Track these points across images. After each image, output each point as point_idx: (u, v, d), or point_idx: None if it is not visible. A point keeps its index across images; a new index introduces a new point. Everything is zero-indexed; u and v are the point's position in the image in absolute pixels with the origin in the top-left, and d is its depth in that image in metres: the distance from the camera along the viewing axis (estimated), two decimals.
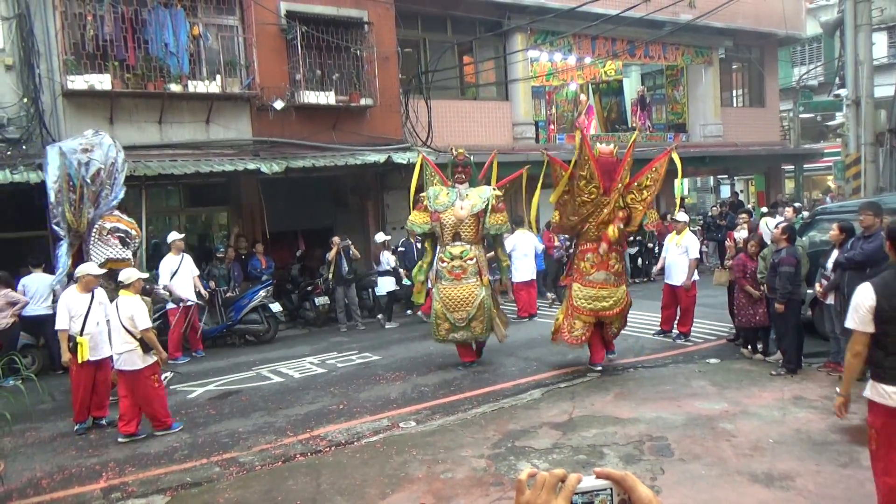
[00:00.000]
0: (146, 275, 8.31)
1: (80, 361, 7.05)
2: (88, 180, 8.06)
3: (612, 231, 8.03)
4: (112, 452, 6.56)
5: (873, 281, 4.16)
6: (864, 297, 4.02)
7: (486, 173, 9.33)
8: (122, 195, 8.45)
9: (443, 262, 8.66)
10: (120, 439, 6.85)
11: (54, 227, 8.28)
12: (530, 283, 12.29)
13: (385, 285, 12.60)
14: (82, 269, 7.35)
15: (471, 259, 8.54)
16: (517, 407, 7.21)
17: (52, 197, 8.12)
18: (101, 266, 7.79)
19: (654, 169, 8.40)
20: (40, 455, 6.59)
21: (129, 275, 7.04)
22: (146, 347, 6.83)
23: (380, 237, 12.76)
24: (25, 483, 5.88)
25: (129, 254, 8.33)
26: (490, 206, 8.59)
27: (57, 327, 7.28)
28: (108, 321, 7.26)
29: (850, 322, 4.08)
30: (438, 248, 8.96)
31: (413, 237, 12.27)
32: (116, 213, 8.43)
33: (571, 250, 10.07)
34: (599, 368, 8.41)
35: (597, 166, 7.98)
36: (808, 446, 5.61)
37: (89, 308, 7.19)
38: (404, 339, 11.15)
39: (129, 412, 6.87)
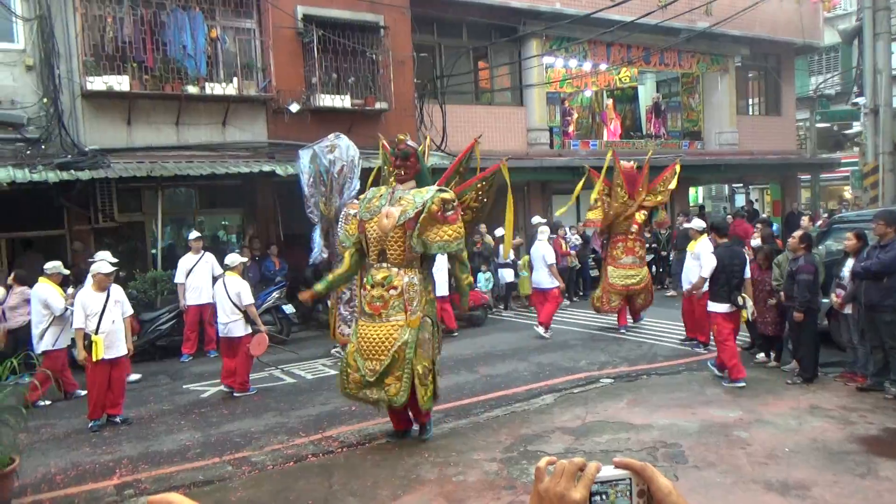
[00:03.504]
0: (246, 259, 9.49)
1: (94, 360, 7.10)
2: (335, 175, 9.46)
3: (639, 217, 10.85)
4: (125, 450, 6.59)
5: (716, 252, 8.15)
6: (710, 261, 8.04)
7: (457, 172, 6.90)
8: (358, 186, 9.55)
9: (364, 289, 6.36)
10: (236, 394, 8.23)
11: (309, 214, 9.75)
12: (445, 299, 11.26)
13: (505, 276, 13.91)
14: (94, 268, 7.43)
15: (394, 288, 6.14)
16: (530, 412, 7.19)
17: (306, 191, 9.69)
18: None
19: (664, 179, 11.01)
20: (55, 451, 6.64)
21: (233, 259, 8.42)
22: (247, 319, 8.21)
23: (499, 232, 13.31)
24: (40, 478, 5.92)
25: None
26: (427, 215, 6.02)
27: (73, 326, 7.37)
28: (125, 317, 7.50)
29: (704, 273, 8.21)
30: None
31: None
32: (355, 201, 9.62)
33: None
34: (623, 331, 10.99)
35: (625, 178, 10.70)
36: (825, 456, 5.55)
37: (104, 306, 7.25)
38: None
39: (231, 371, 8.32)
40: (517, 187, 16.71)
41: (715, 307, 7.93)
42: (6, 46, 10.76)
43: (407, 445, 6.31)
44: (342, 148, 9.71)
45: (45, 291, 8.23)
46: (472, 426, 6.82)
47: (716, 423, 6.44)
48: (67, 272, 8.81)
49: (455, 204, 6.17)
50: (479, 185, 6.63)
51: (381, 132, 13.64)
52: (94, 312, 7.20)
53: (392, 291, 6.14)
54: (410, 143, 6.45)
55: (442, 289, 11.08)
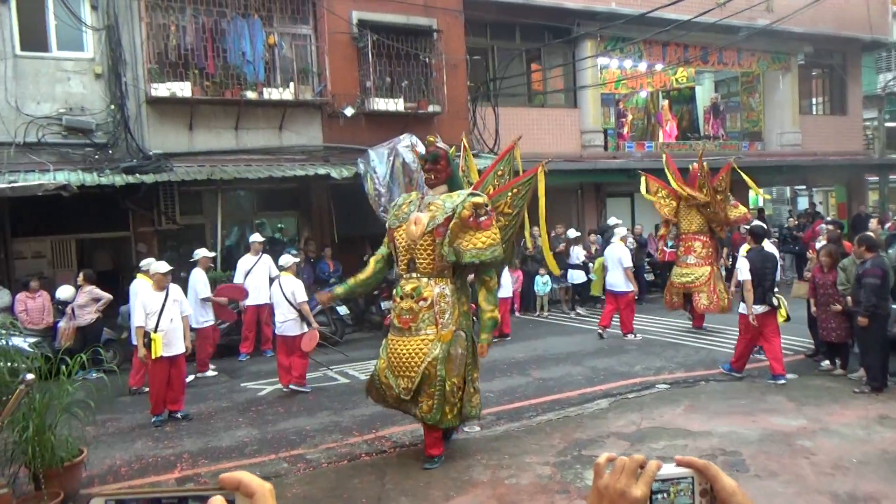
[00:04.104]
0: (299, 259, 9.65)
1: (153, 357, 7.32)
2: (416, 173, 9.76)
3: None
4: (186, 445, 6.79)
5: (748, 255, 8.15)
6: (744, 264, 8.04)
7: (496, 175, 6.49)
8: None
9: (394, 301, 6.09)
10: (293, 387, 8.53)
11: (381, 213, 9.96)
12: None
13: (575, 277, 13.83)
14: (153, 269, 7.67)
15: (423, 300, 5.79)
16: (583, 416, 7.10)
17: (381, 190, 10.05)
18: None
19: (720, 179, 10.97)
20: (120, 444, 6.88)
21: (287, 260, 8.82)
22: (302, 318, 8.48)
23: (572, 233, 13.89)
24: (106, 470, 6.15)
25: None
26: (458, 221, 5.66)
27: (134, 324, 7.62)
28: (183, 316, 7.67)
29: (744, 276, 7.99)
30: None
31: None
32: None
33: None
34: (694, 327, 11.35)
35: (683, 183, 10.98)
36: None
37: (163, 305, 7.45)
38: None
39: (287, 370, 8.57)
40: (570, 190, 16.59)
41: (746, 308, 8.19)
42: (77, 56, 11.24)
43: (459, 447, 6.31)
44: (419, 146, 9.96)
45: (138, 287, 8.62)
46: (524, 429, 6.77)
47: (778, 432, 6.23)
48: (169, 269, 9.23)
49: (488, 208, 5.82)
50: (514, 190, 6.19)
51: (434, 135, 13.77)
52: (153, 311, 7.41)
53: (422, 303, 5.77)
54: (441, 144, 6.08)
55: (504, 290, 11.22)
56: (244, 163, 11.99)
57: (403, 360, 5.77)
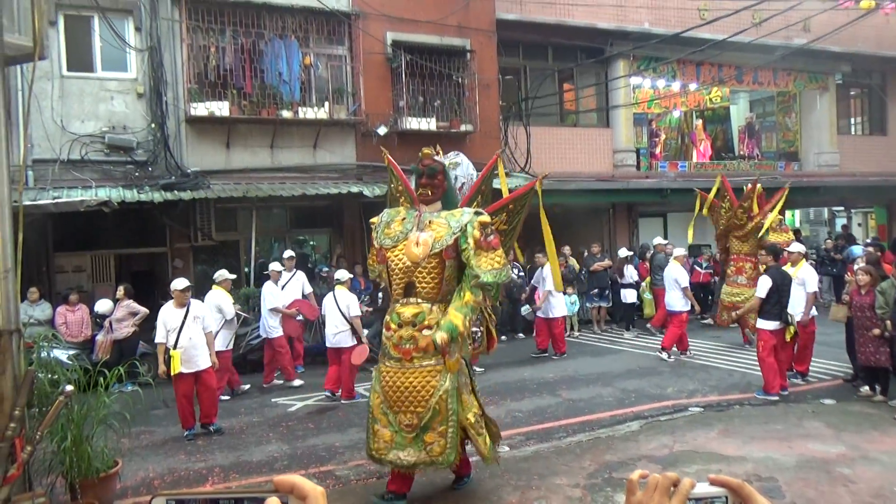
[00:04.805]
0: (351, 275, 9.86)
1: (172, 373, 7.41)
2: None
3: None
4: (217, 458, 6.87)
5: (770, 273, 8.47)
6: (765, 282, 8.36)
7: (479, 192, 6.22)
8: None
9: (388, 329, 5.42)
10: (326, 393, 8.94)
11: None
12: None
13: (628, 296, 13.85)
14: (172, 285, 7.79)
15: (428, 328, 5.21)
16: (614, 438, 7.01)
17: None
18: None
19: (775, 203, 11.29)
20: (153, 457, 6.99)
21: (343, 275, 9.13)
22: (353, 332, 8.79)
23: (623, 252, 13.85)
24: (139, 482, 6.25)
25: None
26: (471, 241, 5.18)
27: (156, 341, 7.75)
28: (207, 332, 7.74)
29: (759, 293, 8.39)
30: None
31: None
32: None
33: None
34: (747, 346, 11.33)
35: (735, 200, 11.34)
36: None
37: (183, 323, 7.51)
38: (499, 363, 11.07)
39: (335, 378, 8.87)
40: (602, 209, 16.50)
41: (764, 324, 8.42)
42: (120, 76, 11.59)
43: (488, 468, 6.27)
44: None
45: (219, 297, 8.85)
46: (554, 450, 6.71)
47: (815, 459, 6.09)
48: (234, 276, 9.60)
49: (493, 227, 5.44)
50: (510, 206, 5.88)
51: (466, 154, 13.76)
52: (173, 328, 7.49)
53: (426, 331, 5.18)
54: (438, 158, 5.61)
55: (560, 309, 11.43)
56: (279, 180, 12.19)
57: (405, 394, 5.23)
